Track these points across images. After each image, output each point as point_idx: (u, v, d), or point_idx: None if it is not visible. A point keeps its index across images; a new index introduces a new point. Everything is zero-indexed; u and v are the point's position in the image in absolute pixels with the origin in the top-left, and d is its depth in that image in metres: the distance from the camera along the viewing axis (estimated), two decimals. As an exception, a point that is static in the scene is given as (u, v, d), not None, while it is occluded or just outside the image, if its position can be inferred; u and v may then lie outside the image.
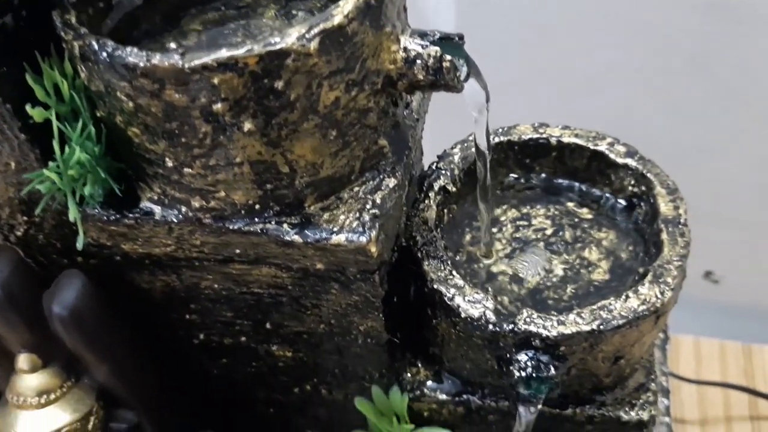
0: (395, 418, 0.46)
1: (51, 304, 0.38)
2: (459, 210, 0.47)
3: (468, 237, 0.47)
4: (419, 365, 0.47)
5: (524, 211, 0.48)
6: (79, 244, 0.35)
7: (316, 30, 0.30)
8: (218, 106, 0.30)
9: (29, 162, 0.35)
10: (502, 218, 0.48)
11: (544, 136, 0.47)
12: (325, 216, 0.35)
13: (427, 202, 0.44)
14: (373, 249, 0.35)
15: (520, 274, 0.45)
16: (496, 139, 0.47)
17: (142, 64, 0.29)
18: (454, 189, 0.45)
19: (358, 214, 0.35)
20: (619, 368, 0.42)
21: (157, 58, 0.29)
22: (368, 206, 0.35)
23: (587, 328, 0.38)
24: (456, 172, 0.46)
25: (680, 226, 0.42)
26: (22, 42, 0.33)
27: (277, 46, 0.29)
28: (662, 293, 0.39)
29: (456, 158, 0.46)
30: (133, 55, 0.29)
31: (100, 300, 0.39)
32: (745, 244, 0.81)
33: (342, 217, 0.35)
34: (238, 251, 0.37)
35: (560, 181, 0.49)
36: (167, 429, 0.45)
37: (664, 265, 0.40)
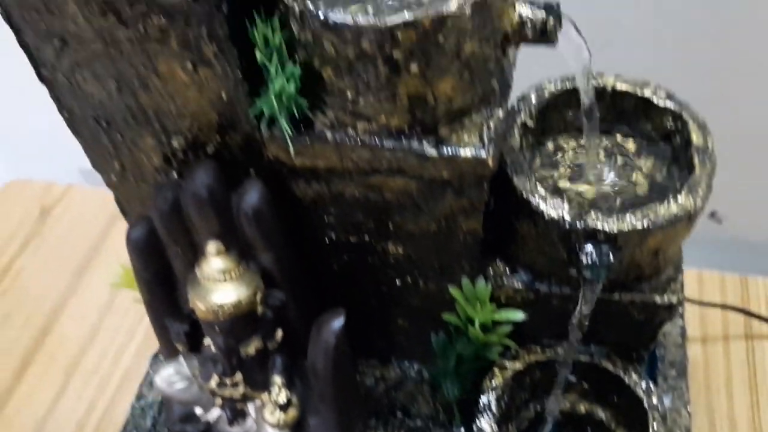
0: (478, 303, 0.59)
1: (240, 204, 0.51)
2: (532, 140, 0.60)
3: (538, 162, 0.59)
4: (499, 262, 0.60)
5: (582, 142, 0.61)
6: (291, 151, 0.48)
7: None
8: (397, 53, 0.42)
9: (238, 94, 0.47)
10: (565, 146, 0.60)
11: (600, 84, 0.59)
12: (454, 137, 0.48)
13: (512, 132, 0.57)
14: (490, 161, 0.48)
15: (580, 190, 0.58)
16: (562, 87, 0.60)
17: (349, 23, 0.41)
18: (532, 124, 0.58)
19: (478, 136, 0.48)
20: (657, 261, 0.56)
21: (360, 18, 0.41)
22: (485, 130, 0.48)
23: (639, 226, 0.51)
24: (533, 111, 0.58)
25: (709, 153, 0.55)
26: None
27: (445, 11, 0.41)
28: (695, 201, 0.52)
29: (533, 98, 0.59)
30: (341, 16, 0.41)
31: (273, 202, 0.52)
32: (745, 184, 0.92)
33: (466, 137, 0.48)
34: (384, 164, 0.49)
35: (611, 120, 0.62)
36: (307, 308, 0.58)
37: (697, 181, 0.53)
